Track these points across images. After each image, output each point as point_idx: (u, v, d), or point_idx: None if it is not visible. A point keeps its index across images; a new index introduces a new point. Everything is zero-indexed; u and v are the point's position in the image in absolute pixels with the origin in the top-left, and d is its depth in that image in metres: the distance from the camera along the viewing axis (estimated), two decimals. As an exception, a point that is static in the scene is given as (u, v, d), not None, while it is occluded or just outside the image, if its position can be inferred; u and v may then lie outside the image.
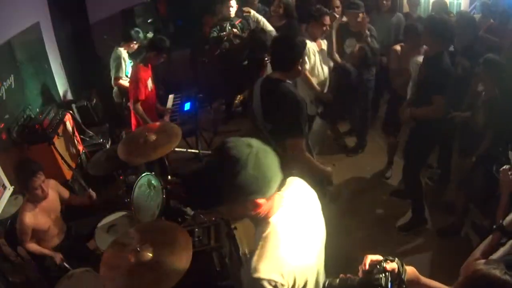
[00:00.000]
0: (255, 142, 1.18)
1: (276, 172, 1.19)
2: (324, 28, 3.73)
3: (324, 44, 3.92)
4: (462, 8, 5.34)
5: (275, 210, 1.27)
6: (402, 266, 1.20)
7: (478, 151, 3.05)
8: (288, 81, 2.43)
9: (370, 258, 1.19)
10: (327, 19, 3.70)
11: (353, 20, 3.98)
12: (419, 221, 3.38)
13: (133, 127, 4.06)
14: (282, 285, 1.18)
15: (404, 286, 1.19)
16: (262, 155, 1.16)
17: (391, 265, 1.16)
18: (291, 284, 1.22)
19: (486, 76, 2.94)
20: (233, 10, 4.79)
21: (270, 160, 1.18)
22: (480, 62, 2.98)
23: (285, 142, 2.37)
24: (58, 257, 2.73)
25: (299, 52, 2.38)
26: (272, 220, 1.25)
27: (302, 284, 1.27)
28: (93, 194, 3.16)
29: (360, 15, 3.90)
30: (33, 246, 2.73)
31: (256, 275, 1.16)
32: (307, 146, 2.55)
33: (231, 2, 4.72)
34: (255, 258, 1.19)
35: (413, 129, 3.24)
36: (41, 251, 2.75)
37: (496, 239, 1.91)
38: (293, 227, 1.27)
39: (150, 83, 3.88)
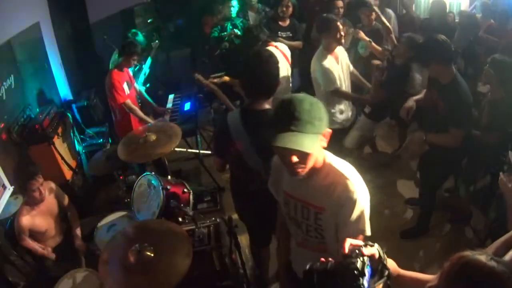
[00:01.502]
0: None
1: None
2: (338, 36, 3.21)
3: (340, 52, 3.42)
4: (462, 8, 5.35)
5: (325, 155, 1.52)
6: (383, 252, 1.19)
7: (479, 137, 2.96)
8: (270, 107, 2.09)
9: (349, 241, 1.16)
10: (337, 25, 3.21)
11: (366, 19, 3.95)
12: (423, 230, 3.32)
13: (116, 128, 4.08)
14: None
15: (387, 272, 1.19)
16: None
17: (370, 250, 1.14)
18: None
19: (494, 77, 2.85)
20: (234, 10, 4.79)
21: None
22: (488, 62, 2.90)
23: None
24: (51, 256, 2.75)
25: (279, 73, 2.08)
26: (328, 160, 1.51)
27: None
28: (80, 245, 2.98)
29: (373, 13, 3.88)
30: (28, 243, 2.72)
31: (359, 190, 1.44)
32: None
33: (232, 1, 4.72)
34: (348, 179, 1.44)
35: (429, 151, 2.97)
36: (35, 248, 2.74)
37: None
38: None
39: (126, 87, 3.85)
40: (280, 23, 4.57)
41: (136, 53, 3.78)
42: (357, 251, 1.13)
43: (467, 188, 3.38)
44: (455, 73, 2.69)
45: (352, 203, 1.43)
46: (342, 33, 3.22)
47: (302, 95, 1.41)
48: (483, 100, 3.13)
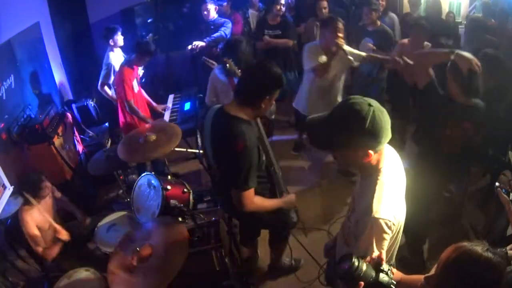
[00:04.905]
0: (374, 102, 1.35)
1: (388, 131, 1.37)
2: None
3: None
4: (462, 8, 5.36)
5: (383, 162, 1.46)
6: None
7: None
8: (245, 118, 2.00)
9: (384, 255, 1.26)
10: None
11: (365, 17, 3.93)
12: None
13: (121, 124, 4.07)
14: (393, 225, 1.38)
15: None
16: (379, 114, 1.33)
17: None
18: (397, 228, 1.42)
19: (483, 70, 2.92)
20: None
21: (385, 119, 1.35)
22: (480, 56, 2.95)
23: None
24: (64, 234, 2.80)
25: (272, 89, 1.99)
26: (382, 169, 1.45)
27: (397, 232, 1.46)
28: (88, 221, 3.14)
29: (374, 12, 3.85)
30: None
31: (377, 215, 1.36)
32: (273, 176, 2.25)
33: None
34: (374, 200, 1.38)
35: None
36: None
37: None
38: (396, 179, 1.49)
39: (135, 85, 3.86)
40: (269, 21, 4.59)
41: (151, 53, 3.81)
42: (388, 268, 1.23)
43: (460, 186, 3.38)
44: None
45: (366, 224, 1.39)
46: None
47: (354, 107, 1.33)
48: None
